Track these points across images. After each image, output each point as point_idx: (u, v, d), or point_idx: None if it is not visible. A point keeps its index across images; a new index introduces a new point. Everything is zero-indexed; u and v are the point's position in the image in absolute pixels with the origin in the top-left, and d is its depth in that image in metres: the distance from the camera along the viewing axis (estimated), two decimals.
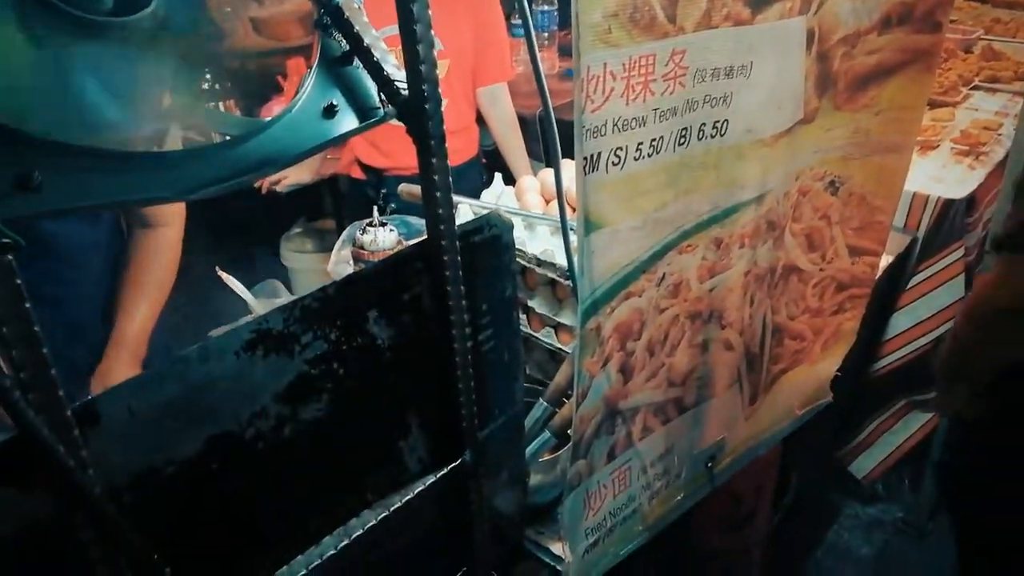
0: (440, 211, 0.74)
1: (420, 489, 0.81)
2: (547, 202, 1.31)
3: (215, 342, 0.63)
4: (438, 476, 0.82)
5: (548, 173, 1.38)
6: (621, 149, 0.84)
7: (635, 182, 0.88)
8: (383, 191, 2.20)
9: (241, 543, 0.69)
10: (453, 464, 0.84)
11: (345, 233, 2.02)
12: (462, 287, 0.77)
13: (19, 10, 0.63)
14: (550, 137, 0.90)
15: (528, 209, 1.30)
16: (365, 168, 2.28)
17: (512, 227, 0.84)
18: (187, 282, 1.59)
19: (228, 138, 0.66)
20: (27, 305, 0.49)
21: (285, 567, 0.71)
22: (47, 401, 0.51)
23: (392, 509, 0.78)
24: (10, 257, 0.48)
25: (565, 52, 2.93)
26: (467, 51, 2.12)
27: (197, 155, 0.61)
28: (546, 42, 2.91)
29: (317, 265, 3.15)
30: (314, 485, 0.74)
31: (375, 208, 1.46)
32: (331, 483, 0.75)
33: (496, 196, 1.51)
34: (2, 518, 0.53)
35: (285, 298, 1.49)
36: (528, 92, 2.44)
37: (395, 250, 1.45)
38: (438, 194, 0.73)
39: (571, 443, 1.04)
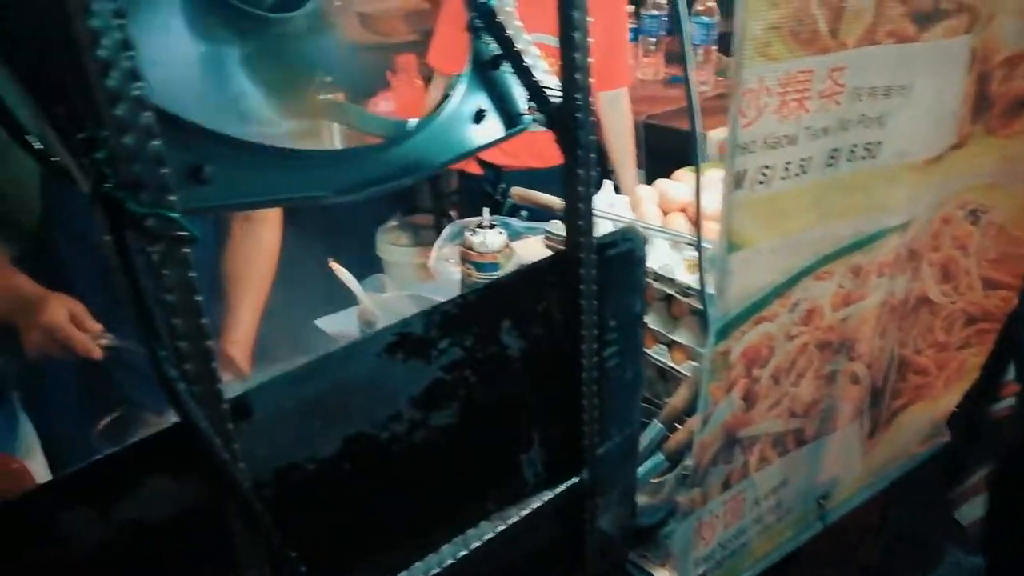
0: (581, 223, 0.72)
1: (538, 505, 0.79)
2: (664, 214, 1.27)
3: (359, 343, 0.62)
4: (556, 493, 0.81)
5: (666, 184, 1.34)
6: (769, 167, 0.80)
7: (779, 202, 0.84)
8: (500, 186, 2.18)
9: (366, 544, 0.69)
10: (571, 482, 0.82)
11: (447, 230, 2.03)
12: (595, 302, 0.75)
13: (188, 3, 0.64)
14: (693, 149, 0.87)
15: (644, 220, 1.26)
16: (483, 163, 2.27)
17: (646, 242, 0.82)
18: (288, 273, 1.63)
19: (383, 140, 0.65)
20: (198, 298, 0.49)
21: (404, 572, 0.70)
22: (208, 393, 0.51)
23: (510, 523, 0.77)
24: (187, 250, 0.48)
25: (671, 59, 2.87)
26: (592, 54, 2.08)
27: (355, 155, 0.61)
28: (652, 47, 2.85)
29: (412, 259, 3.19)
30: (438, 492, 0.73)
31: (485, 209, 1.45)
32: (454, 492, 0.74)
33: (607, 205, 1.48)
34: (154, 503, 0.54)
35: (391, 293, 1.51)
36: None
37: (502, 252, 1.44)
38: (581, 205, 0.71)
39: (682, 468, 1.01)
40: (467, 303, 0.69)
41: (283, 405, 0.59)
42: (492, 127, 0.70)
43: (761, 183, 0.81)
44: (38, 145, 0.57)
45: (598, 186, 1.56)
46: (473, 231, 1.43)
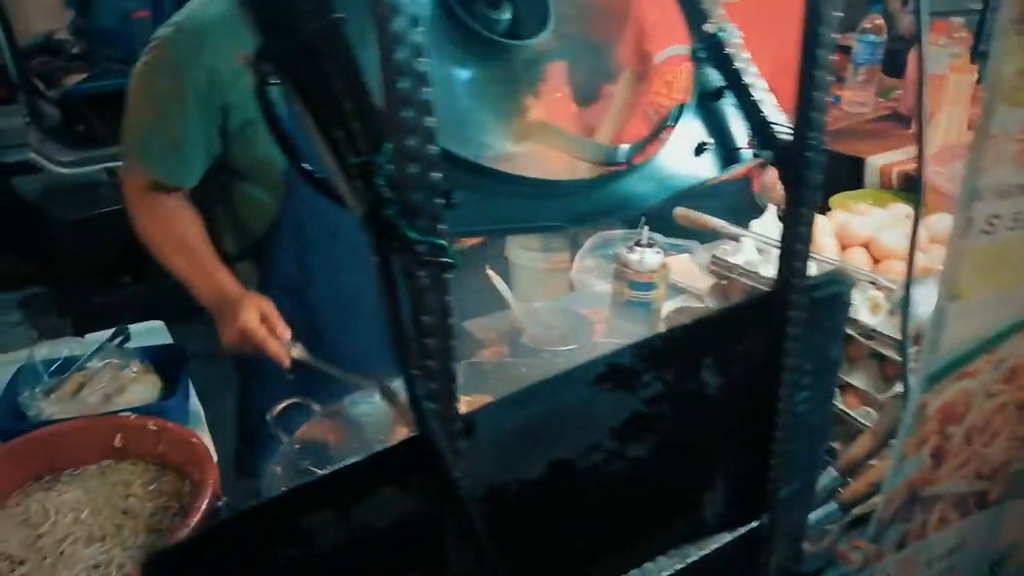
0: (796, 264, 0.69)
1: (716, 546, 0.78)
2: (843, 248, 1.22)
3: (573, 371, 0.63)
4: (735, 535, 0.79)
5: (848, 217, 1.29)
6: (997, 217, 0.75)
7: (1002, 254, 0.78)
8: None
9: (550, 568, 0.70)
10: (751, 525, 0.79)
11: (590, 241, 2.03)
12: (800, 344, 0.73)
13: (435, 28, 0.66)
14: (917, 190, 0.83)
15: (819, 253, 1.22)
16: None
17: (853, 285, 0.78)
18: None
19: (614, 170, 0.66)
20: (451, 321, 0.51)
21: None
22: (447, 412, 0.53)
23: (688, 561, 0.76)
24: (448, 275, 0.50)
25: (883, 94, 2.65)
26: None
27: (589, 185, 0.61)
28: (860, 79, 2.60)
29: (539, 264, 3.22)
30: (623, 523, 0.72)
31: (645, 227, 1.44)
32: (638, 524, 0.74)
33: (768, 229, 1.44)
34: (382, 513, 0.56)
35: (542, 304, 1.52)
36: None
37: (658, 272, 1.42)
38: (799, 246, 0.69)
39: (849, 517, 0.97)
40: (675, 338, 0.68)
41: (499, 427, 0.60)
42: (712, 161, 0.69)
43: (986, 232, 0.76)
44: (306, 165, 0.60)
45: (761, 212, 1.52)
46: (631, 248, 1.42)
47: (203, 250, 1.43)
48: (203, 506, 1.07)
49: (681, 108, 0.70)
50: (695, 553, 0.76)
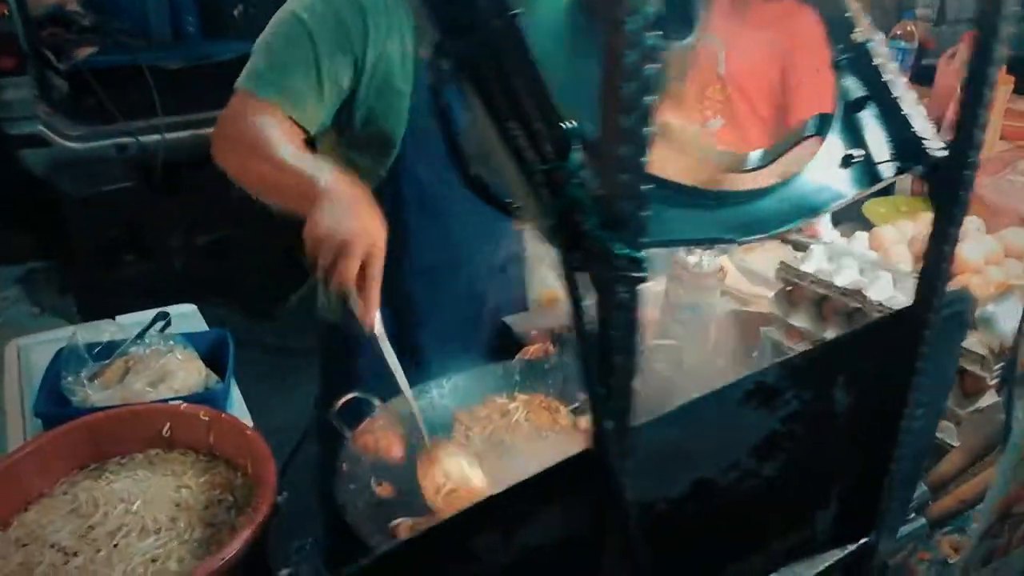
0: (938, 283, 0.68)
1: (826, 564, 0.76)
2: (917, 260, 1.21)
3: (723, 390, 0.61)
4: (845, 552, 0.77)
5: (909, 224, 1.28)
6: None
7: None
8: None
9: None
10: (860, 542, 0.78)
11: None
12: (929, 363, 0.72)
13: (572, 24, 0.64)
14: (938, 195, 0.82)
15: (892, 263, 1.21)
16: None
17: (975, 305, 0.77)
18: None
19: (773, 183, 0.63)
20: (636, 338, 0.49)
21: None
22: (622, 428, 0.51)
23: None
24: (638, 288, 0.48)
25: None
26: (774, 88, 1.95)
27: (758, 194, 0.59)
28: None
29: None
30: (744, 539, 0.71)
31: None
32: (756, 540, 0.72)
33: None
34: (550, 524, 0.54)
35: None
36: None
37: (716, 275, 1.41)
38: (943, 265, 0.67)
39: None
40: (815, 357, 0.66)
41: (653, 445, 0.58)
42: (859, 175, 0.67)
43: None
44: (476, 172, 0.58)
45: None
46: (689, 250, 1.41)
47: (307, 153, 1.21)
48: (266, 504, 1.04)
49: (824, 118, 0.68)
50: (806, 571, 0.75)
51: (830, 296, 1.17)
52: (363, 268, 1.03)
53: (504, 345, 1.70)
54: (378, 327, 1.09)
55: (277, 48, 1.28)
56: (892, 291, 1.08)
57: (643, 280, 0.47)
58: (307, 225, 1.04)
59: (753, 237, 0.58)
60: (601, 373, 0.48)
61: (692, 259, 1.39)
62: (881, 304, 1.07)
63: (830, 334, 1.19)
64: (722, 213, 0.58)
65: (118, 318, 1.61)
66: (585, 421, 1.22)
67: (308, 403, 1.67)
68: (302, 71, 1.26)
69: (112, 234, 3.34)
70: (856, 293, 1.11)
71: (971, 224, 1.24)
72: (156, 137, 3.27)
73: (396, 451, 1.15)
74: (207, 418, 1.20)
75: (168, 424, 1.21)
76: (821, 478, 0.75)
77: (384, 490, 1.10)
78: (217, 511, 1.12)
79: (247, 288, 3.54)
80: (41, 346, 1.41)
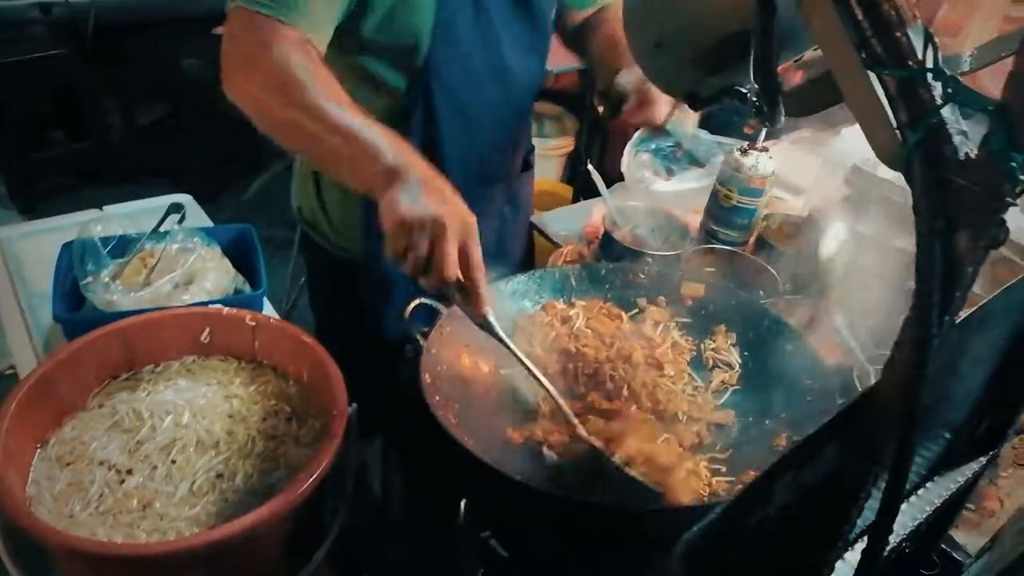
0: None
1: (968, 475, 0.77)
2: None
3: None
4: (980, 464, 0.79)
5: None
6: None
7: None
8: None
9: None
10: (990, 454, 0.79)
11: (637, 135, 1.93)
12: None
13: None
14: None
15: None
16: None
17: None
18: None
19: None
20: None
21: None
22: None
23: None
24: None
25: None
26: None
27: None
28: None
29: (540, 151, 3.08)
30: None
31: (763, 129, 1.36)
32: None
33: None
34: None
35: (636, 202, 1.43)
36: None
37: (770, 178, 1.37)
38: None
39: None
40: None
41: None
42: None
43: None
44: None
45: None
46: (744, 151, 1.35)
47: (358, 109, 0.98)
48: (340, 417, 0.97)
49: None
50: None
51: (901, 203, 1.15)
52: (461, 254, 0.88)
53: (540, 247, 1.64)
54: (491, 313, 0.94)
55: None
56: None
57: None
58: (384, 210, 0.88)
59: None
60: (935, 322, 0.43)
61: (747, 160, 1.35)
62: None
63: (901, 243, 1.18)
64: None
65: (108, 208, 1.45)
66: (649, 328, 1.19)
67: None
68: None
69: (40, 109, 3.00)
70: None
71: None
72: None
73: (466, 362, 1.09)
74: (253, 323, 1.11)
75: (207, 329, 1.11)
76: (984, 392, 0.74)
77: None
78: (276, 422, 1.05)
79: (195, 171, 3.29)
80: (26, 239, 1.24)
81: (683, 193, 1.77)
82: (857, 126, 1.24)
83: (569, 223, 1.59)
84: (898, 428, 0.46)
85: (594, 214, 1.58)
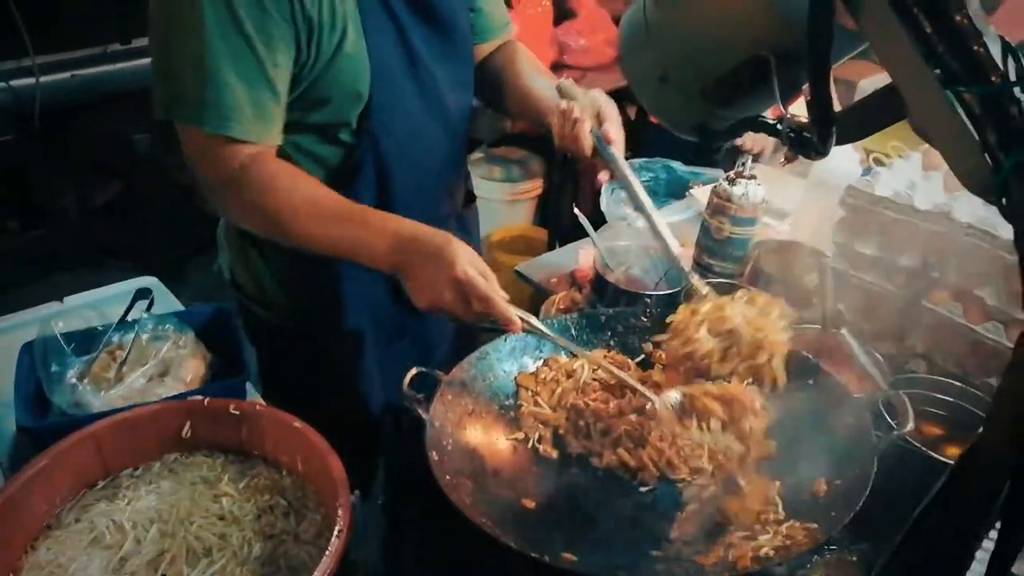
0: None
1: None
2: None
3: None
4: None
5: None
6: None
7: None
8: None
9: None
10: None
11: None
12: None
13: None
14: None
15: None
16: None
17: None
18: None
19: None
20: None
21: None
22: None
23: None
24: None
25: None
26: None
27: None
28: None
29: (502, 195, 3.05)
30: None
31: (749, 156, 1.33)
32: None
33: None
34: None
35: (626, 241, 1.38)
36: None
37: (761, 206, 1.34)
38: None
39: None
40: None
41: None
42: None
43: None
44: None
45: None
46: (732, 181, 1.32)
47: (347, 203, 1.08)
48: (344, 507, 0.89)
49: None
50: None
51: (904, 220, 1.12)
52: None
53: (528, 293, 1.57)
54: (518, 317, 1.00)
55: (215, 63, 1.00)
56: (983, 211, 1.03)
57: None
58: (414, 299, 1.03)
59: None
60: None
61: (737, 190, 1.31)
62: (971, 226, 1.02)
63: (906, 261, 1.14)
64: None
65: (69, 299, 1.36)
66: (657, 373, 1.13)
67: None
68: (255, 78, 1.02)
69: None
70: (941, 216, 1.07)
71: None
72: (30, 80, 2.82)
73: (472, 432, 1.02)
74: (237, 412, 1.02)
75: (188, 424, 1.02)
76: None
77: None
78: (274, 519, 0.96)
79: (155, 249, 3.19)
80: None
81: (668, 227, 1.73)
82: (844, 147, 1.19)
83: (555, 269, 1.54)
84: (1013, 486, 0.40)
85: (581, 258, 1.53)
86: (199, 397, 1.03)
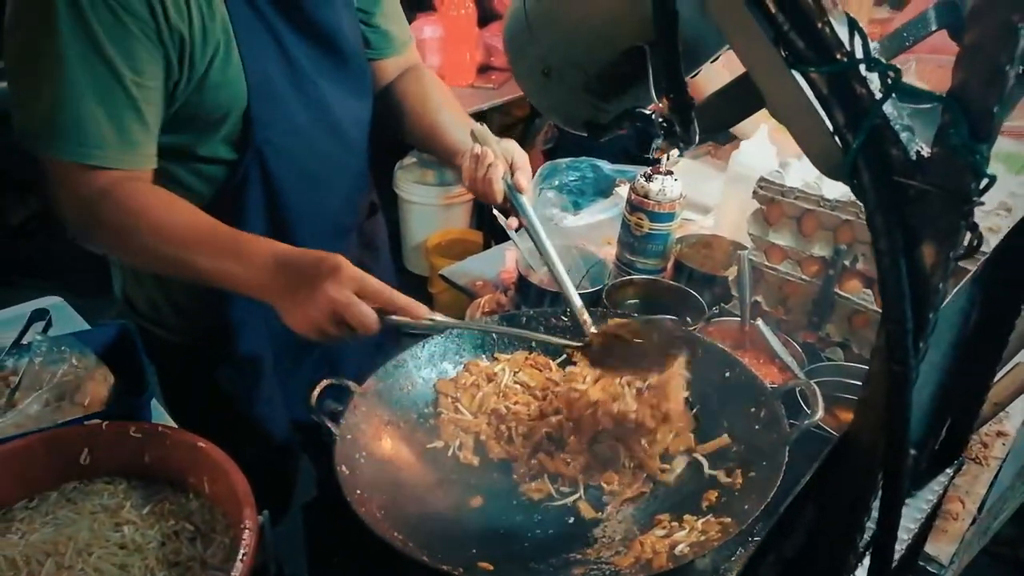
0: None
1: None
2: None
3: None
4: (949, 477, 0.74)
5: None
6: None
7: None
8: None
9: None
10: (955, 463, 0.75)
11: (540, 171, 1.89)
12: None
13: None
14: None
15: None
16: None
17: None
18: None
19: None
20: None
21: None
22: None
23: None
24: None
25: None
26: None
27: None
28: None
29: (435, 200, 3.01)
30: None
31: (674, 152, 1.32)
32: None
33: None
34: None
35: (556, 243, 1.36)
36: None
37: (679, 201, 1.34)
38: None
39: None
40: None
41: None
42: None
43: None
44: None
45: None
46: (648, 177, 1.32)
47: (222, 227, 1.01)
48: (251, 528, 0.85)
49: None
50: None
51: (814, 210, 1.13)
52: (365, 296, 0.92)
53: (451, 297, 1.54)
54: (425, 311, 0.94)
55: (72, 92, 0.96)
56: None
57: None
58: (290, 325, 0.95)
59: None
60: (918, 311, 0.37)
61: (654, 186, 1.31)
62: None
63: (818, 250, 1.16)
64: None
65: None
66: (580, 371, 1.12)
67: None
68: (118, 103, 0.98)
69: None
70: (849, 204, 1.09)
71: None
72: None
73: (388, 444, 0.99)
74: (139, 435, 0.97)
75: (86, 450, 0.97)
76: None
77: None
78: (179, 546, 0.91)
79: (72, 268, 3.06)
80: None
81: (594, 226, 1.73)
82: (757, 136, 1.20)
83: (482, 272, 1.52)
84: (886, 473, 0.39)
85: (507, 259, 1.51)
86: (97, 421, 0.98)
